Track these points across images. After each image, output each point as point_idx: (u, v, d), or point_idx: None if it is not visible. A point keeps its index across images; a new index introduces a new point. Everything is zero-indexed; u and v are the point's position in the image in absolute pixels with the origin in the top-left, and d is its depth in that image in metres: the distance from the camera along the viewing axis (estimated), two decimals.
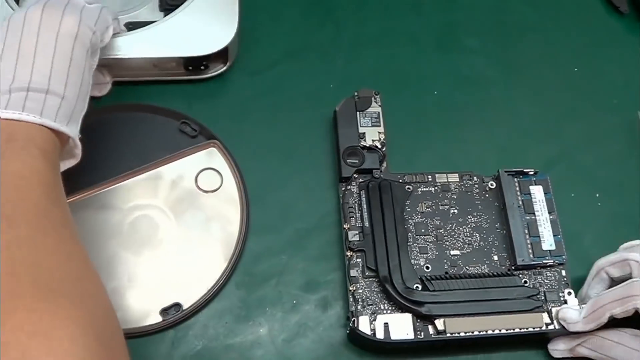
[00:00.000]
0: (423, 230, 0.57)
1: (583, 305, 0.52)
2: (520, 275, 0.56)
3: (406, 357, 0.55)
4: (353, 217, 0.57)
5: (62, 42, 0.47)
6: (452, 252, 0.56)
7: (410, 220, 0.57)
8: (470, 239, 0.57)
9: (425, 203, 0.58)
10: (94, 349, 0.37)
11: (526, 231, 0.57)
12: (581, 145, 0.65)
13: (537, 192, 0.58)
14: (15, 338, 0.35)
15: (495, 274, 0.55)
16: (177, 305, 0.54)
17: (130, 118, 0.61)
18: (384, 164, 0.59)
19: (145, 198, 0.58)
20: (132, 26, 0.59)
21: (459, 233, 0.57)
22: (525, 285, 0.55)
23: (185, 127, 0.60)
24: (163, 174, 0.59)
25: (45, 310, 0.36)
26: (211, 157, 0.60)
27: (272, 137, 0.62)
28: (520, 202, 0.58)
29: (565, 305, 0.54)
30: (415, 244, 0.56)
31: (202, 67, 0.62)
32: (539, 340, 0.55)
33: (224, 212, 0.58)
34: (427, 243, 0.57)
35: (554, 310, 0.54)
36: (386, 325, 0.52)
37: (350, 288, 0.54)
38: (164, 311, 0.54)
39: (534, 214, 0.57)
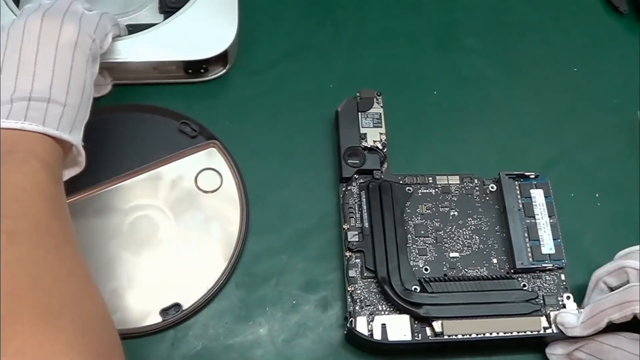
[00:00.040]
0: (422, 232, 0.57)
1: (581, 310, 0.53)
2: (519, 279, 0.56)
3: (403, 359, 0.55)
4: (353, 217, 0.57)
5: (62, 51, 0.47)
6: (452, 255, 0.57)
7: (410, 222, 0.57)
8: (469, 241, 0.57)
9: (425, 205, 0.58)
10: None
11: (526, 234, 0.57)
12: (581, 145, 0.65)
13: (538, 195, 0.58)
14: None
15: (494, 276, 0.55)
16: (177, 306, 0.55)
17: (130, 118, 0.61)
18: (385, 165, 0.59)
19: (145, 198, 0.58)
20: (132, 29, 0.59)
21: (458, 235, 0.57)
22: (524, 288, 0.55)
23: (185, 128, 0.60)
24: (163, 174, 0.59)
25: (46, 335, 0.36)
26: (211, 158, 0.60)
27: (272, 137, 0.62)
28: (521, 206, 0.58)
29: (563, 310, 0.54)
30: (414, 246, 0.56)
31: (202, 70, 0.62)
32: (537, 344, 0.55)
33: (224, 212, 0.58)
34: (427, 245, 0.57)
35: (552, 314, 0.54)
36: (384, 326, 0.53)
37: (349, 288, 0.54)
38: (164, 311, 0.54)
39: (534, 217, 0.57)
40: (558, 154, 0.65)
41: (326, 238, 0.59)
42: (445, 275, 0.56)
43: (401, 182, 0.59)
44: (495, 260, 0.57)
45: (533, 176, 0.59)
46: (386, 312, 0.54)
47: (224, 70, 0.63)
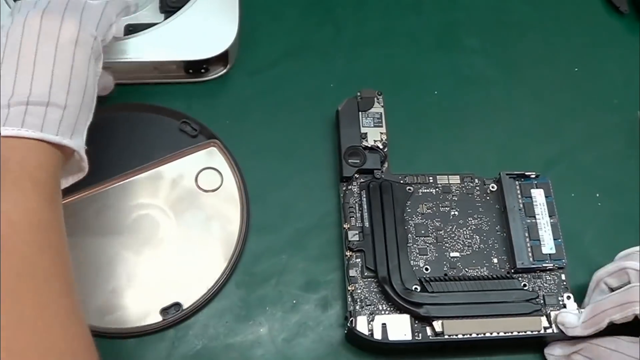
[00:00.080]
0: (423, 232, 0.57)
1: (582, 310, 0.53)
2: (520, 279, 0.56)
3: (404, 358, 0.55)
4: (353, 217, 0.57)
5: (62, 50, 0.45)
6: (452, 254, 0.57)
7: (410, 221, 0.57)
8: (470, 241, 0.57)
9: (425, 204, 0.58)
10: None
11: (526, 234, 0.57)
12: (581, 145, 0.65)
13: (538, 195, 0.58)
14: None
15: (494, 276, 0.55)
16: (177, 305, 0.55)
17: (131, 118, 0.61)
18: (385, 165, 0.59)
19: (146, 197, 0.58)
20: (132, 28, 0.59)
21: (459, 235, 0.57)
22: (525, 288, 0.55)
23: (186, 127, 0.60)
24: (163, 173, 0.59)
25: None
26: (211, 157, 0.60)
27: (272, 136, 0.62)
28: (521, 205, 0.58)
29: (564, 310, 0.54)
30: (415, 245, 0.57)
31: (202, 70, 0.62)
32: (537, 344, 0.55)
33: (224, 211, 0.58)
34: (427, 244, 0.57)
35: (552, 314, 0.54)
36: (384, 325, 0.53)
37: (349, 288, 0.54)
38: (164, 311, 0.54)
39: (534, 217, 0.57)
40: (558, 153, 0.65)
41: (326, 237, 0.59)
42: (445, 275, 0.56)
43: (402, 181, 0.59)
44: (495, 260, 0.57)
45: (534, 176, 0.59)
46: (386, 312, 0.54)
47: (225, 70, 0.63)
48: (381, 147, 0.59)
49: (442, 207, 0.58)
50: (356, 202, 0.58)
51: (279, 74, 0.65)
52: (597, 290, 0.54)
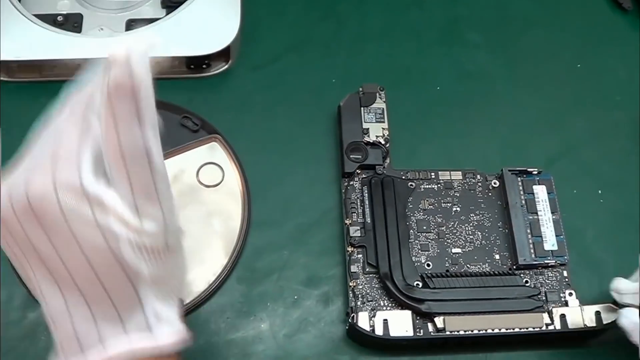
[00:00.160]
0: (425, 228, 0.57)
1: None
2: (522, 275, 0.56)
3: (405, 355, 0.55)
4: (355, 212, 0.57)
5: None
6: (454, 250, 0.56)
7: (412, 217, 0.57)
8: (472, 237, 0.57)
9: (427, 200, 0.58)
10: None
11: (528, 231, 0.56)
12: (584, 141, 0.65)
13: (541, 191, 0.58)
14: None
15: (496, 273, 0.55)
16: None
17: None
18: (387, 160, 0.59)
19: None
20: (134, 23, 0.59)
21: (460, 231, 0.57)
22: (526, 285, 0.55)
23: (187, 122, 0.60)
24: None
25: None
26: (213, 152, 0.60)
27: (274, 131, 0.62)
28: (523, 202, 0.58)
29: (618, 278, 0.52)
30: (416, 241, 0.56)
31: (204, 66, 0.62)
32: (539, 341, 0.55)
33: (225, 206, 0.58)
34: (429, 240, 0.57)
35: (554, 310, 0.54)
36: (385, 321, 0.52)
37: (351, 284, 0.54)
38: None
39: (536, 213, 0.57)
40: (561, 149, 0.64)
41: (328, 233, 0.59)
42: (447, 271, 0.55)
43: (403, 177, 0.58)
44: (497, 256, 0.57)
45: (536, 172, 0.59)
46: (388, 308, 0.54)
47: (226, 66, 0.63)
48: (383, 142, 0.59)
49: (444, 203, 0.58)
50: (358, 197, 0.57)
51: (281, 69, 0.65)
52: None
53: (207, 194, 0.58)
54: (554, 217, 0.57)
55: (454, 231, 0.57)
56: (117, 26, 0.63)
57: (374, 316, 0.53)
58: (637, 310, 0.49)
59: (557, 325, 0.53)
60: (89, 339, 0.36)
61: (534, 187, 0.58)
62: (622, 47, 0.70)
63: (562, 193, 0.59)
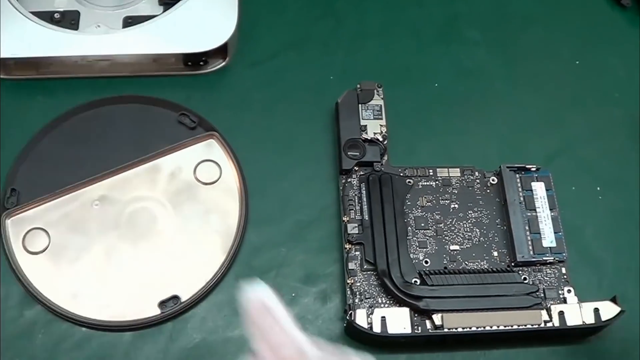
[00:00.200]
0: (423, 225, 0.57)
1: None
2: (520, 272, 0.55)
3: (403, 352, 0.55)
4: (353, 209, 0.57)
5: None
6: (452, 247, 0.56)
7: (410, 214, 0.57)
8: (470, 234, 0.57)
9: (425, 197, 0.58)
10: None
11: (527, 228, 0.56)
12: (582, 138, 0.65)
13: (539, 188, 0.58)
14: None
15: (494, 270, 0.55)
16: (175, 298, 0.54)
17: (129, 110, 0.60)
18: (385, 157, 0.59)
19: (144, 190, 0.58)
20: (131, 20, 0.59)
21: (459, 228, 0.57)
22: (525, 282, 0.55)
23: (184, 119, 0.60)
24: (161, 165, 0.59)
25: None
26: (210, 149, 0.60)
27: (272, 128, 0.62)
28: (522, 199, 0.57)
29: None
30: (414, 238, 0.56)
31: (201, 63, 0.62)
32: (537, 338, 0.55)
33: (223, 204, 0.58)
34: (427, 237, 0.56)
35: (552, 307, 0.54)
36: (383, 319, 0.52)
37: (348, 281, 0.54)
38: (162, 303, 0.54)
39: (535, 210, 0.57)
40: (559, 147, 0.64)
41: (326, 230, 0.59)
42: (445, 268, 0.55)
43: (401, 174, 0.58)
44: (495, 253, 0.56)
45: (534, 169, 0.59)
46: (386, 305, 0.54)
47: (224, 63, 0.63)
48: (381, 139, 0.59)
49: (442, 200, 0.58)
50: (356, 194, 0.57)
51: (279, 66, 0.65)
52: None
53: (205, 192, 0.58)
54: (552, 214, 0.57)
55: (452, 228, 0.57)
56: (114, 23, 0.62)
57: (371, 313, 0.53)
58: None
59: (556, 322, 0.53)
60: None
61: (533, 184, 0.58)
62: (621, 44, 0.70)
63: (561, 190, 0.59)
